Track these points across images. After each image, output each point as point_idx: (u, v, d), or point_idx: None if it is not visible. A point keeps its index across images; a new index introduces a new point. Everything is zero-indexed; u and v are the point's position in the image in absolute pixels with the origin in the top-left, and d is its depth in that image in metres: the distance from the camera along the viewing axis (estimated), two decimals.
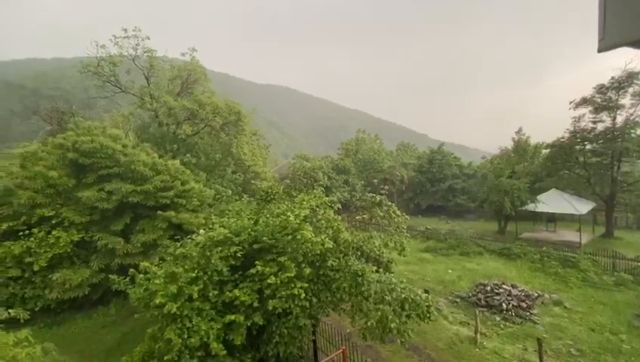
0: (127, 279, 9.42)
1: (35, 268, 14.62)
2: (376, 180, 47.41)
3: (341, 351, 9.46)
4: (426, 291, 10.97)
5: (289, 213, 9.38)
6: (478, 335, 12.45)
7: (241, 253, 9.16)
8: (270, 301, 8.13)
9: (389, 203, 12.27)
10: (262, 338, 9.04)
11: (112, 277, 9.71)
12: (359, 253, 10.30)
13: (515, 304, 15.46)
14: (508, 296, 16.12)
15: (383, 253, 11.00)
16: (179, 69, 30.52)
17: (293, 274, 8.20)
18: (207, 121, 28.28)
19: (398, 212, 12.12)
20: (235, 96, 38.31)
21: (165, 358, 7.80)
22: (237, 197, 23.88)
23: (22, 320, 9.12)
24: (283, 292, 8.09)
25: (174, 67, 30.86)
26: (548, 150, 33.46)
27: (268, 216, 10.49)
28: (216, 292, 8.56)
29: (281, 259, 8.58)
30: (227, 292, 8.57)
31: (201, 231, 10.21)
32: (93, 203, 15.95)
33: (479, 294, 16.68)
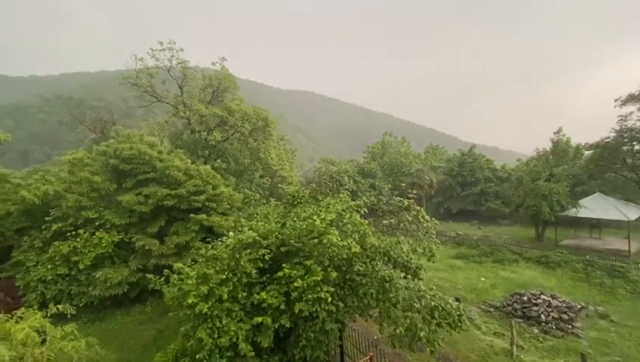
0: (162, 279, 9.88)
1: (81, 266, 15.72)
2: (403, 184, 46.39)
3: (368, 357, 9.32)
4: (457, 299, 10.57)
5: (315, 217, 9.44)
6: (515, 348, 11.78)
7: (269, 255, 9.33)
8: (297, 304, 8.20)
9: (418, 207, 11.99)
10: (289, 341, 9.12)
11: (149, 276, 10.24)
12: (386, 259, 10.13)
13: (555, 316, 14.49)
14: (547, 306, 15.14)
15: (411, 258, 10.74)
16: (210, 78, 31.79)
17: (319, 278, 8.22)
18: (237, 127, 29.17)
19: (427, 217, 11.80)
20: (262, 103, 39.30)
21: (197, 357, 8.09)
22: (264, 201, 24.34)
23: (69, 315, 9.82)
24: (309, 296, 8.13)
25: (205, 76, 32.18)
26: (591, 151, 31.22)
27: (295, 219, 10.61)
28: (245, 293, 8.77)
29: (308, 262, 8.64)
30: (255, 294, 8.75)
31: (231, 233, 10.51)
32: (131, 206, 16.93)
33: (515, 304, 15.80)
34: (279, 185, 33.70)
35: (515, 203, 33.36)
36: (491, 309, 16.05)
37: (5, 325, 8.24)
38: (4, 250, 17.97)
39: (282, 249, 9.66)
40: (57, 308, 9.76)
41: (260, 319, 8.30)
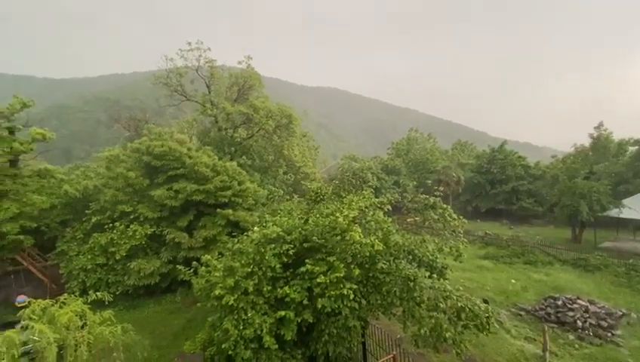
0: (191, 270, 10.29)
1: (117, 256, 16.71)
2: (429, 181, 45.26)
3: (392, 356, 9.24)
4: (486, 301, 10.22)
5: (338, 214, 9.43)
6: (547, 354, 11.22)
7: (293, 250, 9.44)
8: (319, 299, 8.26)
9: (444, 205, 11.65)
10: (312, 336, 9.22)
11: (179, 267, 10.70)
12: (411, 257, 9.96)
13: (593, 322, 13.63)
14: (584, 312, 14.28)
15: (436, 257, 10.49)
16: (236, 77, 32.50)
17: (342, 275, 8.23)
18: (261, 124, 29.68)
19: (455, 215, 11.45)
20: (287, 100, 39.67)
21: (223, 346, 8.38)
22: (288, 197, 24.67)
23: (106, 302, 10.49)
24: (332, 292, 8.16)
25: (232, 75, 32.94)
26: (636, 147, 28.89)
27: (317, 216, 10.66)
28: (269, 287, 8.94)
29: (331, 258, 8.66)
30: (279, 289, 8.90)
31: (256, 228, 10.74)
32: (163, 200, 17.73)
33: (548, 308, 15.02)
34: (302, 182, 33.99)
35: (549, 202, 31.61)
36: (522, 313, 15.36)
37: (51, 309, 8.92)
38: (49, 241, 19.45)
39: (305, 245, 9.74)
40: (96, 295, 10.46)
41: (283, 313, 8.44)
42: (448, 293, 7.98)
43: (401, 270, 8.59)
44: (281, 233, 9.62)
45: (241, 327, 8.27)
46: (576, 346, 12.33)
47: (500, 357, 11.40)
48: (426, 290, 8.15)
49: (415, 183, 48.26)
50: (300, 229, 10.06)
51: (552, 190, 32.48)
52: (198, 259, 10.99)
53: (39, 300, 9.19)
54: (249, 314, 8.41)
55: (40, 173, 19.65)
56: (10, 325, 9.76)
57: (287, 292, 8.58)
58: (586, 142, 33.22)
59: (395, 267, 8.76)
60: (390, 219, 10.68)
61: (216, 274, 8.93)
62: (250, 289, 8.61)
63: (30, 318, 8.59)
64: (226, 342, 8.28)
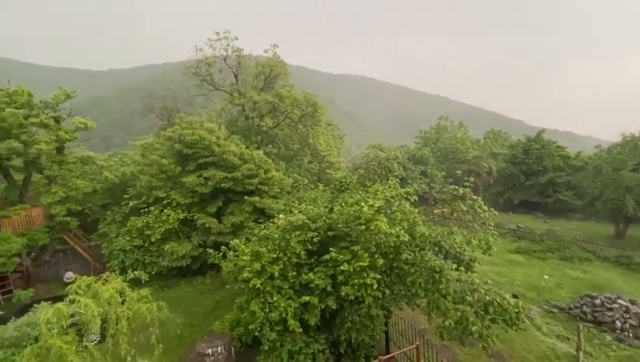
0: (220, 254, 10.74)
1: (152, 239, 17.73)
2: (459, 171, 43.66)
3: (415, 346, 9.22)
4: (515, 296, 9.88)
5: (363, 204, 9.41)
6: (581, 354, 10.72)
7: (317, 238, 9.58)
8: (343, 287, 8.37)
9: (474, 196, 11.25)
10: (335, 322, 9.40)
11: (209, 251, 11.19)
12: (437, 249, 9.78)
13: (634, 323, 12.83)
14: (625, 312, 13.43)
15: (464, 250, 10.23)
16: (262, 66, 32.69)
17: (366, 264, 8.26)
18: (287, 113, 29.82)
19: (485, 207, 11.03)
20: (312, 88, 39.48)
21: (250, 327, 8.77)
22: (312, 186, 24.84)
23: (143, 281, 11.25)
24: (355, 280, 8.23)
25: (258, 64, 33.16)
26: None
27: (342, 205, 10.69)
28: (294, 273, 9.19)
29: (355, 247, 8.70)
30: (303, 275, 9.12)
31: (281, 215, 10.97)
32: (193, 187, 18.47)
33: (584, 307, 14.27)
34: (327, 171, 34.00)
35: (590, 195, 29.57)
36: (554, 310, 14.70)
37: (94, 286, 9.69)
38: (92, 223, 20.97)
39: (330, 233, 9.85)
40: (134, 274, 11.23)
41: (307, 298, 8.66)
42: (476, 286, 7.79)
43: (426, 261, 8.48)
44: (306, 221, 9.77)
45: (267, 310, 8.59)
46: (614, 347, 11.68)
47: (530, 354, 11.05)
48: (453, 283, 8.00)
49: (443, 173, 46.77)
50: (324, 218, 10.17)
51: (594, 183, 30.30)
52: (226, 244, 11.43)
53: (84, 277, 10.02)
54: (274, 298, 8.71)
55: (83, 159, 21.04)
56: (60, 298, 10.76)
57: (312, 278, 8.78)
58: (636, 131, 30.39)
59: (420, 258, 8.65)
60: (417, 210, 10.49)
61: (244, 258, 9.26)
62: (276, 274, 8.89)
63: (76, 293, 9.39)
64: (252, 324, 8.66)
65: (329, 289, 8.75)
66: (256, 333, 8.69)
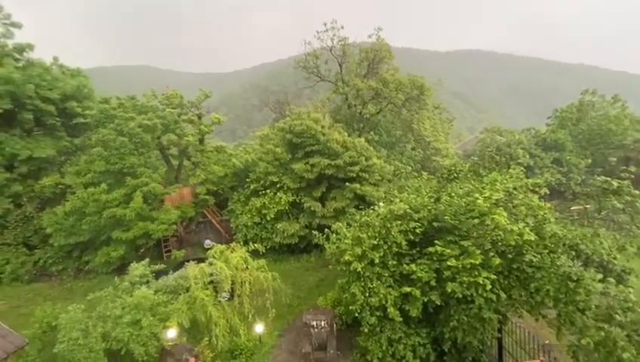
0: (324, 236, 11.45)
1: (268, 218, 20.20)
2: (613, 159, 34.40)
3: (538, 361, 7.97)
4: None
5: (477, 195, 8.48)
6: None
7: (420, 229, 9.17)
8: (449, 283, 7.82)
9: (636, 192, 8.77)
10: (438, 318, 8.92)
11: (314, 232, 12.07)
12: (574, 253, 8.10)
13: None
14: None
15: (614, 257, 8.17)
16: (366, 51, 32.34)
17: (477, 262, 7.50)
18: (390, 98, 28.92)
19: None
20: (419, 70, 37.04)
21: (350, 308, 9.15)
22: (415, 174, 23.69)
23: (260, 253, 13.02)
24: (464, 278, 7.58)
25: (362, 50, 32.94)
26: None
27: (451, 195, 9.88)
28: (394, 262, 9.07)
29: (465, 243, 7.99)
30: (405, 265, 8.91)
31: (381, 203, 10.90)
32: (301, 173, 20.09)
33: None
34: (433, 158, 31.79)
35: None
36: None
37: (225, 253, 11.70)
38: (223, 201, 25.21)
39: (435, 224, 9.28)
40: (254, 246, 13.10)
41: (408, 289, 8.45)
42: (631, 304, 6.17)
43: (558, 266, 7.14)
44: (408, 210, 9.45)
45: (367, 294, 8.78)
46: None
47: None
48: (596, 296, 6.53)
49: (588, 162, 37.57)
50: (429, 208, 9.62)
51: None
52: (329, 227, 12.10)
53: (218, 245, 12.26)
54: (374, 284, 8.82)
55: (217, 148, 25.51)
56: (202, 260, 13.46)
57: (414, 269, 8.50)
58: None
59: (550, 262, 7.34)
60: (548, 205, 8.86)
61: (346, 241, 9.63)
62: (377, 260, 8.95)
63: (213, 257, 11.62)
64: (353, 305, 9.01)
65: (433, 283, 8.32)
66: (357, 315, 9.02)
